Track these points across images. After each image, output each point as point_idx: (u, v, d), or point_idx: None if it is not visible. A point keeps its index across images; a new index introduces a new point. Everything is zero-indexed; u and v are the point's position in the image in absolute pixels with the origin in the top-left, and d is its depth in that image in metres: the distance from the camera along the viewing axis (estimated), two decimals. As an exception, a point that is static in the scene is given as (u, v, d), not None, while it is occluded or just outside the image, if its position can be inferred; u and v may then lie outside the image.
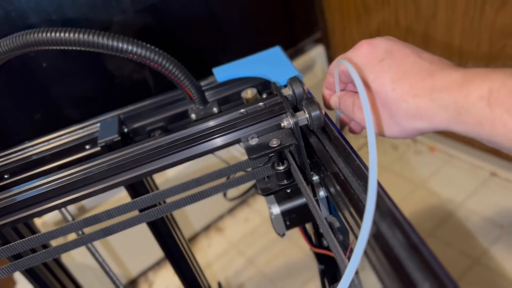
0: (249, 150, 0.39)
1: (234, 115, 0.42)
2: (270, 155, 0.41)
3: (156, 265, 1.29)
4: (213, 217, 1.38)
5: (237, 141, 0.41)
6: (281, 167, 0.41)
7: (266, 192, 0.42)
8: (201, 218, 1.36)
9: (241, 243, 1.30)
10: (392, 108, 0.35)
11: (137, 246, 1.21)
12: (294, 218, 0.52)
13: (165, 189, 0.43)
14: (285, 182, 0.42)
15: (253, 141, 0.40)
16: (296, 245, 1.23)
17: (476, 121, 0.30)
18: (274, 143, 0.39)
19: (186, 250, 0.59)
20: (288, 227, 0.53)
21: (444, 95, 0.32)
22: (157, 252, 1.27)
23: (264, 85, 0.51)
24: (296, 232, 1.23)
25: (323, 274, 0.73)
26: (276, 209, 0.50)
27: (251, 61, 0.53)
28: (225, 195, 0.60)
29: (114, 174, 0.42)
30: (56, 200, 0.42)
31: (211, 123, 0.43)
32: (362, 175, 0.32)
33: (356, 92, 0.41)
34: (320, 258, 0.70)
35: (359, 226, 0.32)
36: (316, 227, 0.65)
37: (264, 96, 0.52)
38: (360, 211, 0.31)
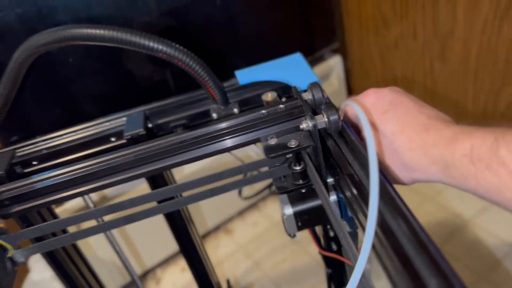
0: (268, 149, 0.41)
1: (255, 115, 0.44)
2: (287, 155, 0.43)
3: (164, 263, 1.31)
4: (223, 219, 1.40)
5: (257, 141, 0.43)
6: (298, 168, 0.43)
7: (282, 191, 0.44)
8: (211, 219, 1.38)
9: (249, 246, 1.31)
10: (397, 155, 0.38)
11: (146, 243, 1.24)
12: (306, 220, 0.54)
13: (186, 182, 0.46)
14: (301, 182, 0.44)
15: (272, 141, 0.42)
16: (303, 250, 1.24)
17: (462, 175, 0.33)
18: (293, 143, 0.41)
19: (200, 246, 0.61)
20: (300, 228, 0.54)
21: (434, 151, 0.35)
22: (165, 249, 1.30)
23: (284, 89, 0.53)
24: (303, 238, 1.24)
25: (330, 278, 0.74)
26: (289, 210, 0.52)
27: (273, 66, 0.55)
28: (240, 193, 0.62)
29: (138, 165, 0.44)
30: (82, 187, 0.45)
31: (232, 122, 0.45)
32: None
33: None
34: (328, 262, 0.72)
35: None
36: (326, 230, 0.66)
37: (283, 100, 0.54)
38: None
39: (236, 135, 0.44)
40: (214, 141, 0.44)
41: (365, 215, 0.34)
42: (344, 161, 0.38)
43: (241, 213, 1.42)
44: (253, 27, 1.24)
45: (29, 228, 0.42)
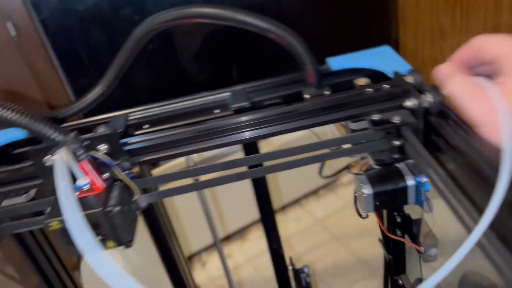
0: (373, 123, 0.46)
1: (359, 92, 0.49)
2: (389, 131, 0.47)
3: (210, 247, 1.37)
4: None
5: (358, 116, 0.48)
6: (398, 142, 0.47)
7: (379, 163, 0.49)
8: (254, 211, 1.43)
9: (291, 239, 1.36)
10: None
11: (194, 228, 1.30)
12: (385, 201, 0.58)
13: (281, 150, 0.50)
14: (398, 156, 0.48)
15: (376, 117, 0.47)
16: (345, 247, 1.28)
17: None
18: (396, 119, 0.45)
19: (275, 219, 0.67)
20: (377, 208, 0.59)
21: None
22: (238, 222, 1.34)
23: (375, 77, 0.58)
24: (345, 236, 1.27)
25: (389, 265, 0.78)
26: (369, 190, 0.56)
27: (363, 55, 0.60)
28: (320, 171, 0.67)
29: (241, 132, 0.50)
30: (195, 146, 0.50)
31: (335, 97, 0.50)
32: (483, 153, 0.38)
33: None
34: (389, 248, 0.76)
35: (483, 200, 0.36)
36: (392, 216, 0.70)
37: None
38: (489, 184, 0.36)
39: (337, 111, 0.49)
40: (319, 114, 0.49)
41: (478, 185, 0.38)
42: (450, 138, 0.42)
43: (283, 208, 1.47)
44: (310, 28, 1.30)
45: (156, 176, 0.48)
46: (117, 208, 0.43)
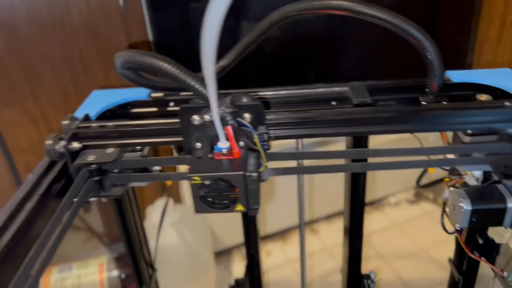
0: (508, 137, 0.47)
1: (499, 105, 0.50)
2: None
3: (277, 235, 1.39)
4: (310, 218, 1.46)
5: (494, 127, 0.49)
6: (529, 158, 0.48)
7: (504, 175, 0.50)
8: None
9: (334, 248, 1.36)
10: None
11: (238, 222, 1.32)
12: (481, 218, 0.58)
13: (395, 149, 0.51)
14: (525, 173, 0.49)
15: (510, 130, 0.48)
16: (387, 266, 1.27)
17: None
18: (534, 135, 0.46)
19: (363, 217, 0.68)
20: (471, 224, 0.59)
21: None
22: (280, 224, 1.36)
23: (495, 95, 0.59)
24: (389, 254, 1.27)
25: (455, 285, 0.78)
26: (468, 205, 0.57)
27: (484, 73, 0.61)
28: (418, 181, 0.68)
29: (357, 125, 0.52)
30: (321, 130, 0.52)
31: (472, 105, 0.51)
32: None
33: None
34: (461, 269, 0.76)
35: None
36: (474, 237, 0.71)
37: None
38: None
39: (471, 117, 0.50)
40: (453, 117, 0.51)
41: None
42: None
43: (328, 217, 1.48)
44: (372, 44, 1.30)
45: (283, 151, 0.50)
46: (255, 174, 0.45)
